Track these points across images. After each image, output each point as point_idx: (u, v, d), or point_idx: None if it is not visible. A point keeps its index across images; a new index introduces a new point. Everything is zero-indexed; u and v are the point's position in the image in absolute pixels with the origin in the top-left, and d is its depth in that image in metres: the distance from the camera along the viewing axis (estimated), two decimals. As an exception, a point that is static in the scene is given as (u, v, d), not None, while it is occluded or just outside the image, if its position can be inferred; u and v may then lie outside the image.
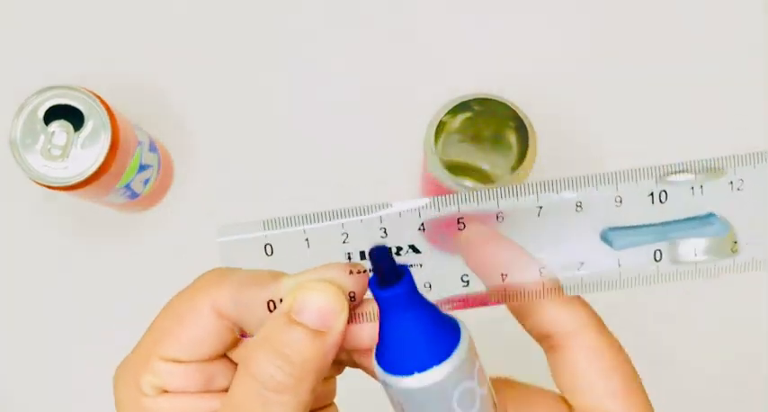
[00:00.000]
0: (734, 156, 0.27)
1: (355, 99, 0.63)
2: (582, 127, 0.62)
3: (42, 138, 0.50)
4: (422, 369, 0.22)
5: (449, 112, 0.45)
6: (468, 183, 0.45)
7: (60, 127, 0.50)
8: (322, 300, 0.24)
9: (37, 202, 0.61)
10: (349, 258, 0.26)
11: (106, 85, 0.54)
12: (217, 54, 0.64)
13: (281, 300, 0.25)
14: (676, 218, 0.26)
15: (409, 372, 0.22)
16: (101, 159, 0.49)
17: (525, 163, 0.45)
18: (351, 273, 0.25)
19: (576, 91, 0.63)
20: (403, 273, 0.23)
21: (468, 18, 0.64)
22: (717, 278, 0.27)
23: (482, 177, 0.54)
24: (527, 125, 0.45)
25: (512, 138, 0.49)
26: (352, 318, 0.25)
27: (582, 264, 0.26)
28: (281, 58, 0.64)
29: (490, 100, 0.46)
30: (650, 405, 0.26)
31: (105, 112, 0.50)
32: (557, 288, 0.26)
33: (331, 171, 0.62)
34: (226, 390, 0.26)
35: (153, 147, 0.57)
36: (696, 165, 0.27)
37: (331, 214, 0.26)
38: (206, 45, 0.64)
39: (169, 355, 0.27)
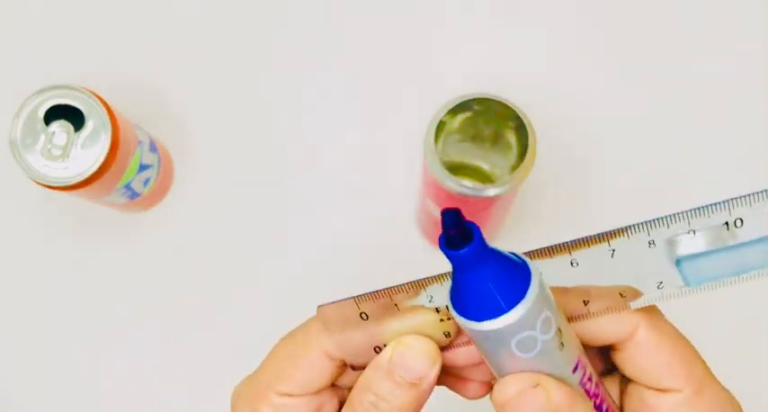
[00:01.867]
0: None
1: (355, 99, 0.63)
2: (582, 127, 0.62)
3: (43, 138, 0.50)
4: (480, 319, 0.25)
5: (449, 112, 0.45)
6: (468, 183, 0.45)
7: (61, 127, 0.50)
8: (417, 357, 0.28)
9: (37, 202, 0.61)
10: (437, 310, 0.28)
11: (106, 84, 0.54)
12: (217, 54, 0.64)
13: (384, 345, 0.29)
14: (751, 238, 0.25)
15: (472, 319, 0.25)
16: (101, 159, 0.49)
17: (525, 163, 0.45)
18: (441, 320, 0.28)
19: (576, 90, 0.63)
20: (472, 233, 0.25)
21: (469, 18, 0.64)
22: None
23: (482, 177, 0.54)
24: (526, 125, 0.45)
25: (511, 138, 0.49)
26: (447, 348, 0.29)
27: (661, 283, 0.27)
28: (281, 59, 0.64)
29: (490, 100, 0.46)
30: (717, 386, 0.28)
31: (106, 112, 0.50)
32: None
33: (331, 171, 0.62)
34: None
35: (153, 147, 0.57)
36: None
37: (418, 285, 0.29)
38: (206, 45, 0.64)
39: (285, 391, 0.30)
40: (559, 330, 0.26)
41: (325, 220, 0.61)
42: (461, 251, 0.25)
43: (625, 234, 0.26)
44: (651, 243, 0.26)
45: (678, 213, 0.26)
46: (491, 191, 0.45)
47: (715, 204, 0.25)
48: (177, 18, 0.64)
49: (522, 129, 0.45)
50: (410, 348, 0.28)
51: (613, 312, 0.28)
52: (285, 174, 0.62)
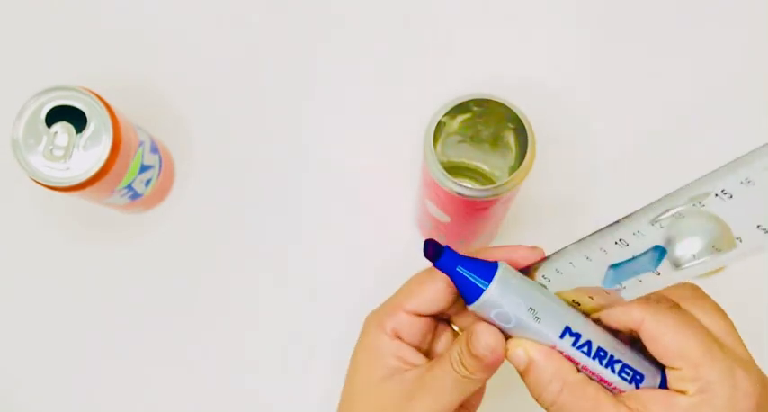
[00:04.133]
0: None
1: (355, 99, 0.63)
2: (581, 128, 0.62)
3: (45, 138, 0.50)
4: (469, 304, 0.36)
5: (448, 113, 0.46)
6: (468, 184, 0.45)
7: (62, 128, 0.50)
8: (489, 339, 0.35)
9: (39, 203, 0.61)
10: None
11: (108, 85, 0.54)
12: (217, 54, 0.64)
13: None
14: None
15: (467, 303, 0.36)
16: (102, 160, 0.50)
17: (524, 164, 0.45)
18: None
19: (574, 92, 0.63)
20: (442, 252, 0.36)
21: (469, 19, 0.65)
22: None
23: (481, 178, 0.54)
24: (526, 126, 0.45)
25: (510, 139, 0.49)
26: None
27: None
28: (281, 59, 0.64)
29: (489, 100, 0.46)
30: (717, 363, 0.33)
31: (107, 113, 0.50)
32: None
33: (331, 171, 0.62)
34: (427, 352, 0.40)
35: (154, 148, 0.57)
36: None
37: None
38: (206, 45, 0.64)
39: (412, 309, 0.38)
40: (531, 309, 0.35)
41: (326, 220, 0.61)
42: (436, 263, 0.36)
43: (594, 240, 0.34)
44: (603, 250, 0.33)
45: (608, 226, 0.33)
46: (490, 192, 0.45)
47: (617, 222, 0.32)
48: (177, 18, 0.64)
49: (521, 131, 0.46)
50: (483, 333, 0.36)
51: (614, 306, 0.35)
52: (286, 174, 0.62)
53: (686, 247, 0.30)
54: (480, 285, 0.35)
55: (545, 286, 0.36)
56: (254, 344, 0.60)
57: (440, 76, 0.63)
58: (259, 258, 0.61)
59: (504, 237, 0.60)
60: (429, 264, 0.37)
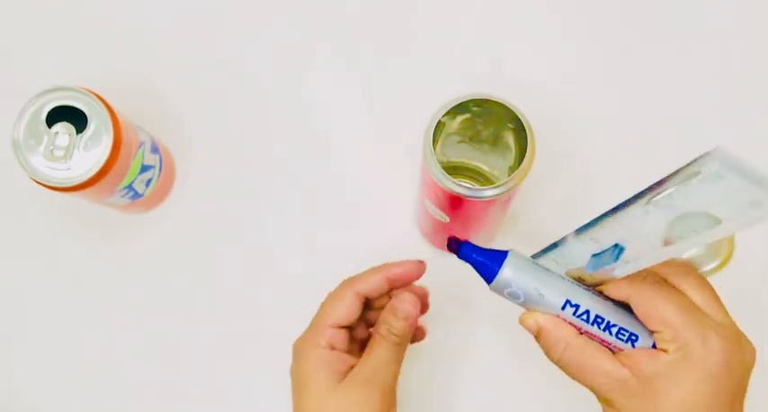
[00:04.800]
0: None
1: (355, 100, 0.63)
2: (581, 129, 0.62)
3: (45, 139, 0.50)
4: (487, 283, 0.43)
5: (448, 113, 0.46)
6: (467, 184, 0.46)
7: (63, 128, 0.50)
8: (407, 305, 0.47)
9: (39, 203, 0.61)
10: None
11: (108, 86, 0.55)
12: (218, 55, 0.64)
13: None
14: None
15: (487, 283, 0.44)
16: (103, 160, 0.50)
17: (524, 164, 0.45)
18: None
19: (574, 93, 0.63)
20: (461, 245, 0.44)
21: (468, 19, 0.65)
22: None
23: (481, 178, 0.54)
24: (526, 126, 0.45)
25: (510, 139, 0.49)
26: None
27: None
28: (281, 59, 0.64)
29: (489, 100, 0.46)
30: (693, 327, 0.39)
31: (107, 114, 0.50)
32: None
33: (332, 171, 0.62)
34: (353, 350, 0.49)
35: (155, 148, 0.57)
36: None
37: None
38: (207, 46, 0.64)
39: (335, 323, 0.47)
40: (536, 286, 0.42)
41: (326, 220, 0.62)
42: (458, 254, 0.44)
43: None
44: (593, 240, 0.41)
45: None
46: (489, 192, 0.45)
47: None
48: (178, 19, 0.65)
49: (520, 131, 0.46)
50: (403, 301, 0.47)
51: (608, 282, 0.42)
52: (286, 174, 0.62)
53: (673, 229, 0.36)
54: (493, 269, 0.43)
55: (553, 266, 0.44)
56: (254, 344, 0.60)
57: (439, 76, 0.63)
58: (259, 258, 0.61)
59: (504, 237, 0.60)
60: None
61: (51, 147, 0.50)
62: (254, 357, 0.60)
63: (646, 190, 0.36)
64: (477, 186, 0.45)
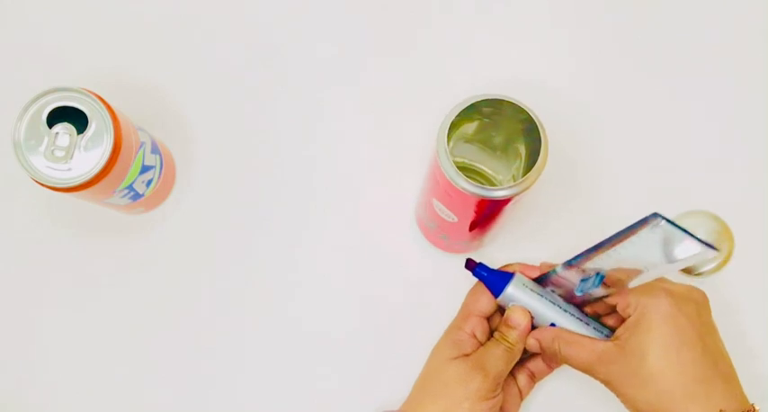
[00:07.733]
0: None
1: (356, 101, 0.63)
2: (587, 133, 0.62)
3: (46, 139, 0.50)
4: (495, 297, 0.54)
5: (460, 114, 0.45)
6: (481, 183, 0.45)
7: (64, 129, 0.50)
8: (518, 315, 0.53)
9: (40, 203, 0.61)
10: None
11: (109, 86, 0.55)
12: (218, 55, 0.64)
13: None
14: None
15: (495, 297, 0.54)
16: (104, 161, 0.50)
17: (537, 165, 0.44)
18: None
19: (582, 95, 0.63)
20: (476, 266, 0.54)
21: (478, 19, 0.65)
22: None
23: (484, 181, 0.54)
24: (539, 125, 0.45)
25: (520, 144, 0.49)
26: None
27: None
28: (283, 59, 0.64)
29: (501, 101, 0.46)
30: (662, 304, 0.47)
31: (108, 114, 0.50)
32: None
33: (333, 171, 0.62)
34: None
35: (155, 149, 0.57)
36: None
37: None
38: (207, 46, 0.64)
39: (479, 312, 0.54)
40: (531, 305, 0.52)
41: (326, 221, 0.62)
42: (473, 272, 0.54)
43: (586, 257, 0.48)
44: (581, 269, 0.49)
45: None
46: (504, 191, 0.45)
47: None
48: (179, 20, 0.65)
49: (531, 134, 0.46)
50: (514, 312, 0.53)
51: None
52: (287, 174, 0.62)
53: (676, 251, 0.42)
54: (500, 287, 0.53)
55: (553, 285, 0.53)
56: (255, 344, 0.60)
57: (440, 77, 0.63)
58: (259, 258, 0.61)
59: (505, 238, 0.60)
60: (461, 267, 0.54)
61: (52, 148, 0.50)
62: (255, 356, 0.60)
63: (605, 241, 0.45)
64: (491, 186, 0.45)
